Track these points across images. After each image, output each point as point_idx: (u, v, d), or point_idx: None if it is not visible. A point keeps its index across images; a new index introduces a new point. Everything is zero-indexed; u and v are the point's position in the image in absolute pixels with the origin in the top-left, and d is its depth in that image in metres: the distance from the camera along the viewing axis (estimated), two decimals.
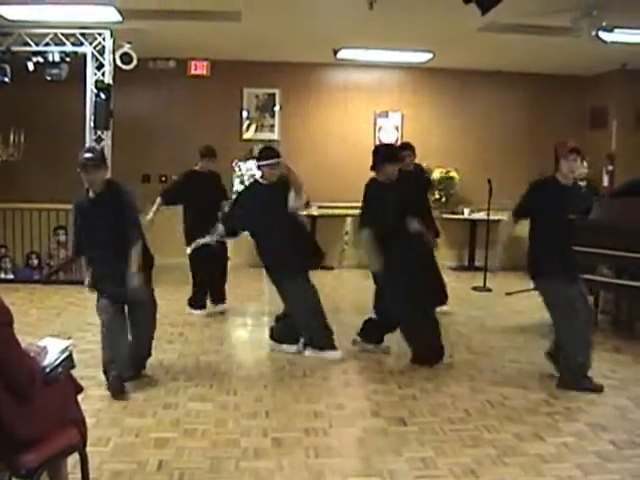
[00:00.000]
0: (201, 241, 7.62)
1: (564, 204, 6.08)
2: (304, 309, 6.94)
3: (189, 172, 8.85)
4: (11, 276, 10.87)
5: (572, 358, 6.01)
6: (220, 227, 7.25)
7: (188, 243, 8.29)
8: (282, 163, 6.93)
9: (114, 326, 5.82)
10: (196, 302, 8.88)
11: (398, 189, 6.83)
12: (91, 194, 5.80)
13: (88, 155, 5.71)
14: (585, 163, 10.64)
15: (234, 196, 8.87)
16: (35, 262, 11.05)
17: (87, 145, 5.46)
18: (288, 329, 7.08)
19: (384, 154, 6.92)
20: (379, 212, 6.73)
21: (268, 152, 7.02)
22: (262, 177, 7.02)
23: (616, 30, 8.64)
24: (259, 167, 7.05)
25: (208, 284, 8.89)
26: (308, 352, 6.97)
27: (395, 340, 7.67)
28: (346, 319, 8.16)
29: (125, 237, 5.77)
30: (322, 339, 6.94)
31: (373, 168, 6.89)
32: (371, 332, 7.18)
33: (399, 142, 12.70)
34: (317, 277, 11.34)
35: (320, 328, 6.94)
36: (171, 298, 9.27)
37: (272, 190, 6.88)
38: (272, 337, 7.26)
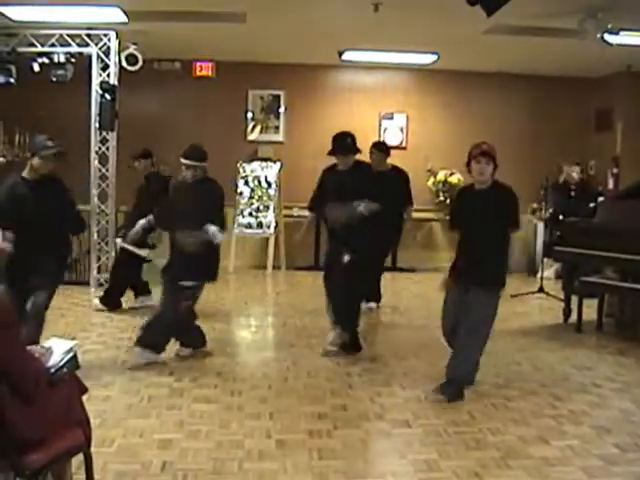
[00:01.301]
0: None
1: (474, 209, 5.85)
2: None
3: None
4: None
5: None
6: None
7: None
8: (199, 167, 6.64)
9: None
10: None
11: (353, 180, 6.87)
12: (29, 177, 5.96)
13: (56, 143, 5.93)
14: (577, 168, 10.66)
15: None
16: None
17: (45, 134, 5.72)
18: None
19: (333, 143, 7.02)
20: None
21: (186, 151, 6.72)
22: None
23: (622, 32, 8.64)
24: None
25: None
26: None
27: (400, 342, 7.69)
28: None
29: (58, 226, 5.98)
30: None
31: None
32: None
33: (402, 143, 12.81)
34: (319, 278, 11.36)
35: None
36: None
37: (188, 189, 6.71)
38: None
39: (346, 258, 6.81)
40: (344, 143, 6.98)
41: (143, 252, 8.41)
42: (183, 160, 6.62)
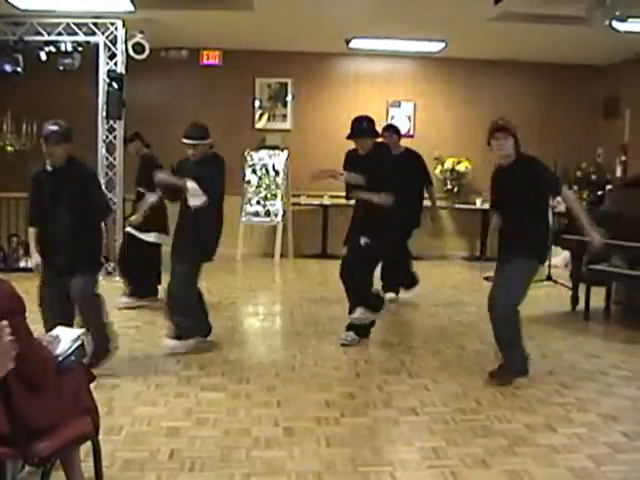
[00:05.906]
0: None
1: (500, 186, 6.06)
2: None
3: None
4: (22, 265, 10.91)
5: None
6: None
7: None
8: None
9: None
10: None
11: (371, 164, 6.87)
12: (48, 167, 5.86)
13: (53, 128, 5.84)
14: None
15: None
16: None
17: (55, 119, 5.73)
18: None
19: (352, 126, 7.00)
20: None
21: (188, 130, 6.91)
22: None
23: (630, 19, 8.58)
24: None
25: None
26: None
27: (408, 330, 7.70)
28: None
29: (79, 216, 5.81)
30: None
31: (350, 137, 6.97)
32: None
33: (409, 131, 12.75)
34: (327, 266, 11.37)
35: None
36: None
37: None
38: None
39: (363, 241, 6.80)
40: (360, 126, 6.98)
41: (149, 237, 8.35)
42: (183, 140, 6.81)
